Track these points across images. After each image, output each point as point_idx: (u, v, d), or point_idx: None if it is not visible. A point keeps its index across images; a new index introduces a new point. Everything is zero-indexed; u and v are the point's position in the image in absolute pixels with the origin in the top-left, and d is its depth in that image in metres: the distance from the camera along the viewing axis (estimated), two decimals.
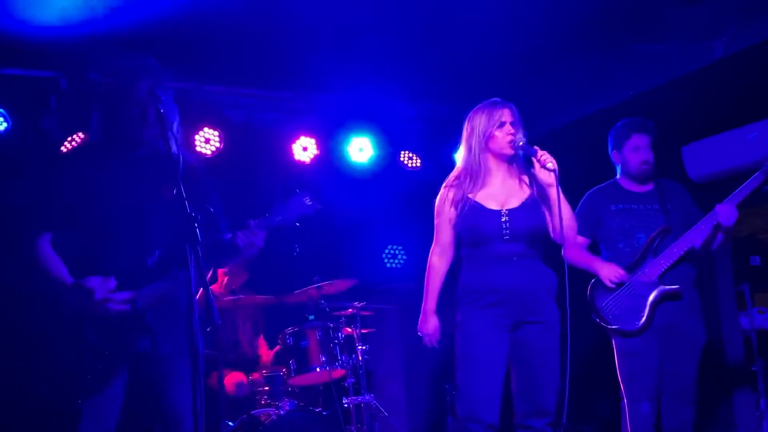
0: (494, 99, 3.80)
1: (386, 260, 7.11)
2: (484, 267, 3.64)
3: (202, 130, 6.00)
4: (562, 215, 3.56)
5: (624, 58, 5.60)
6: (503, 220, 3.63)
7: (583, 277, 4.49)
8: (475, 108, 3.81)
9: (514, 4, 4.96)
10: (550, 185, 3.61)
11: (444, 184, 3.82)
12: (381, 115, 6.64)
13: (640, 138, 4.39)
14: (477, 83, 5.92)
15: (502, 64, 5.78)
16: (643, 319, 4.17)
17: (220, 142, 6.04)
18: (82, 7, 4.68)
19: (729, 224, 4.16)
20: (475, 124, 3.74)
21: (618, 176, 4.55)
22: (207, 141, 6.01)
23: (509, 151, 3.68)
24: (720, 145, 5.63)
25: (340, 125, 6.57)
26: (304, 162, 6.41)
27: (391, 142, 6.73)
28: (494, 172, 3.73)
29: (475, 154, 3.72)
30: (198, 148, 5.98)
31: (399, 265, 7.12)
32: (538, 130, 6.66)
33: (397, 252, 7.11)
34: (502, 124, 3.69)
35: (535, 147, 3.61)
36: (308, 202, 3.13)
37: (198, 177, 3.13)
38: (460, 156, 3.84)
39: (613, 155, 4.53)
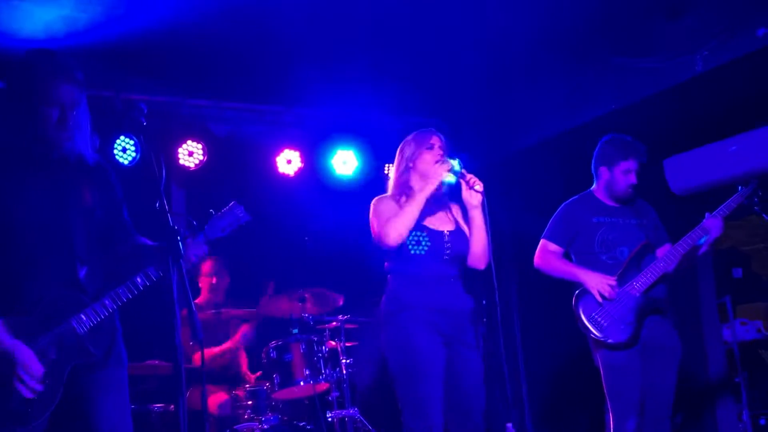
0: (424, 129, 4.05)
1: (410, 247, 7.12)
2: (422, 284, 3.76)
3: (185, 143, 5.99)
4: (483, 239, 3.80)
5: (605, 73, 5.65)
6: (446, 240, 3.82)
7: (553, 286, 4.50)
8: (407, 136, 4.03)
9: (498, 20, 5.00)
10: (475, 207, 3.82)
11: (382, 197, 3.93)
12: (365, 129, 6.65)
13: (633, 163, 4.42)
14: (460, 97, 5.97)
15: (485, 79, 5.82)
16: (632, 331, 4.17)
17: (203, 155, 6.03)
18: (66, 20, 4.68)
19: (714, 236, 4.23)
20: (406, 149, 3.99)
21: (593, 188, 4.57)
22: (190, 154, 6.00)
23: (436, 176, 3.79)
24: (701, 158, 5.68)
25: (325, 138, 6.58)
26: (288, 175, 6.41)
27: (375, 156, 6.73)
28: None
29: (405, 179, 3.93)
30: (181, 161, 5.97)
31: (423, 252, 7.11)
32: (520, 145, 6.73)
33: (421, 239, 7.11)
34: (431, 147, 3.92)
35: (463, 170, 3.80)
36: (240, 213, 3.13)
37: (110, 180, 3.01)
38: (391, 180, 4.01)
39: (601, 170, 4.51)
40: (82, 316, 2.78)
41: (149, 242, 3.01)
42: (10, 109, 2.82)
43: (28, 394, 2.66)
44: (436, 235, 3.81)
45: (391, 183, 4.02)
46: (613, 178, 4.44)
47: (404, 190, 3.91)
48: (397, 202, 3.88)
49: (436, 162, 3.86)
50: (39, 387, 2.68)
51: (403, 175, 3.95)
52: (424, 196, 3.75)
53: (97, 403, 2.80)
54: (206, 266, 5.86)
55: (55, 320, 2.75)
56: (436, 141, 3.94)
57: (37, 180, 2.82)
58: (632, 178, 4.41)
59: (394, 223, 3.72)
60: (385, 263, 3.92)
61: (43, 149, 2.82)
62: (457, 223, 3.93)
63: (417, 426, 3.63)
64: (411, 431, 3.65)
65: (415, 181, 3.92)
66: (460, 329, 3.76)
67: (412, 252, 3.78)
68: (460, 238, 3.87)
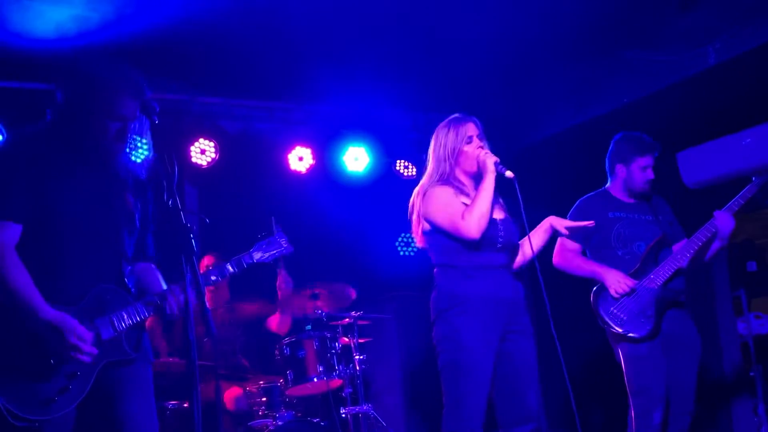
0: (456, 115, 3.87)
1: (399, 248, 7.16)
2: (473, 276, 3.66)
3: (197, 140, 6.01)
4: (481, 205, 3.64)
5: (618, 66, 5.63)
6: (498, 228, 3.71)
7: (572, 283, 4.49)
8: (440, 125, 3.87)
9: (508, 14, 4.98)
10: (490, 172, 3.69)
11: (435, 187, 3.76)
12: (376, 125, 6.65)
13: (650, 159, 4.43)
14: (471, 92, 5.96)
15: (497, 73, 5.80)
16: (652, 325, 4.17)
17: (215, 152, 6.05)
18: (78, 20, 4.69)
19: (727, 232, 4.21)
20: (443, 140, 3.81)
21: (609, 185, 4.57)
22: (203, 152, 6.02)
23: (487, 168, 3.67)
24: (715, 151, 5.65)
25: (336, 135, 6.58)
26: (299, 172, 6.42)
27: (386, 152, 6.73)
28: (468, 188, 3.77)
29: (445, 170, 3.78)
30: (193, 159, 5.99)
31: (412, 254, 7.15)
32: (532, 139, 6.72)
33: (410, 240, 7.19)
34: (470, 139, 3.77)
35: (503, 167, 3.68)
36: (285, 244, 3.25)
37: (148, 197, 3.07)
38: (430, 169, 3.86)
39: (617, 168, 4.52)
40: (124, 314, 2.83)
41: (160, 277, 3.05)
42: (70, 115, 2.84)
43: (87, 359, 2.71)
44: (489, 223, 3.65)
45: (430, 171, 3.84)
46: (631, 175, 4.45)
47: (451, 182, 3.77)
48: (452, 187, 3.75)
49: (478, 156, 3.71)
50: (94, 350, 2.73)
51: (443, 167, 3.79)
52: (492, 184, 3.63)
53: (124, 399, 2.84)
54: (203, 265, 5.85)
55: (97, 314, 2.80)
56: (473, 131, 3.79)
57: (87, 182, 2.87)
58: (650, 174, 4.43)
59: (475, 214, 3.58)
60: (432, 257, 3.81)
61: (97, 156, 2.87)
62: (507, 211, 3.83)
63: (456, 424, 3.58)
64: (450, 428, 3.61)
65: (460, 175, 3.80)
66: (514, 318, 3.66)
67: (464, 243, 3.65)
68: (511, 226, 3.78)
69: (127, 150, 2.90)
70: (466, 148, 3.76)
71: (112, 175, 2.92)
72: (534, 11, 4.94)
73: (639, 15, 5.02)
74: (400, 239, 7.19)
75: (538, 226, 3.83)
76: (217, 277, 3.06)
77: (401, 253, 7.19)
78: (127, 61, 2.94)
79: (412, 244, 7.21)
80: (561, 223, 3.78)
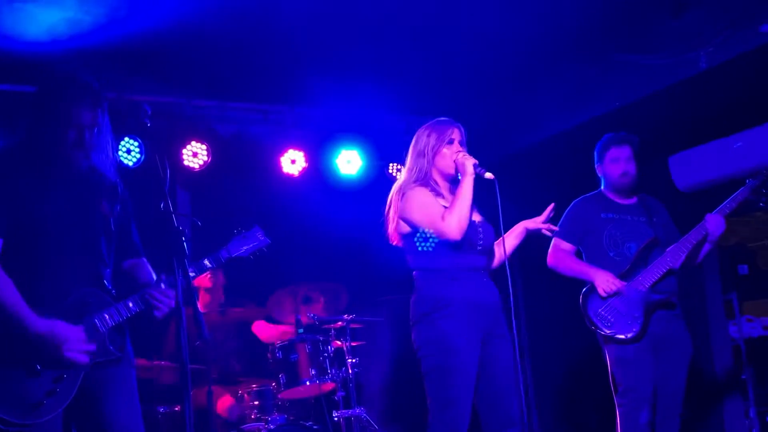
0: (443, 118, 3.87)
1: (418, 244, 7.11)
2: (457, 278, 3.63)
3: (189, 143, 5.99)
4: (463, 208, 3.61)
5: (609, 70, 5.64)
6: (479, 230, 3.71)
7: (559, 285, 4.51)
8: (423, 126, 3.86)
9: (502, 18, 4.99)
10: (469, 174, 3.68)
11: (412, 187, 3.75)
12: (369, 128, 6.65)
13: (618, 150, 4.49)
14: (464, 96, 5.96)
15: (489, 77, 5.81)
16: (639, 326, 4.19)
17: (208, 155, 6.03)
18: (70, 22, 4.68)
19: (717, 234, 4.24)
20: (424, 140, 3.80)
21: (602, 188, 4.61)
22: (195, 155, 6.00)
23: (465, 170, 3.64)
24: (706, 154, 5.67)
25: (329, 138, 6.57)
26: (292, 175, 6.41)
27: (379, 155, 6.73)
28: (442, 189, 3.76)
29: (425, 171, 3.77)
30: (186, 162, 5.97)
31: (430, 249, 7.08)
32: (524, 143, 6.73)
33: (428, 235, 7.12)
34: (450, 142, 3.75)
35: (482, 169, 3.64)
36: (261, 237, 3.27)
37: (124, 198, 3.09)
38: (406, 170, 3.86)
39: (597, 169, 4.62)
40: (106, 315, 2.85)
41: (151, 270, 3.11)
42: (33, 122, 2.88)
43: (84, 358, 2.75)
44: (471, 224, 3.64)
45: (406, 173, 3.85)
46: (605, 171, 4.53)
47: (427, 182, 3.77)
48: (429, 188, 3.74)
49: (458, 156, 3.69)
50: (91, 347, 2.77)
51: (422, 165, 3.78)
52: (470, 186, 3.60)
53: (109, 399, 2.86)
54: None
55: (80, 317, 2.81)
56: (456, 136, 3.78)
57: (59, 188, 2.88)
58: (622, 166, 4.47)
59: (455, 215, 3.55)
60: (410, 259, 3.78)
61: (63, 163, 2.89)
62: (481, 214, 3.83)
63: (444, 428, 3.55)
64: (431, 428, 3.59)
65: (436, 175, 3.79)
66: (494, 322, 3.65)
67: (448, 245, 3.62)
68: (488, 229, 3.78)
69: (92, 156, 2.90)
70: (445, 149, 3.75)
71: (79, 181, 2.93)
72: (528, 15, 4.95)
73: (631, 19, 5.03)
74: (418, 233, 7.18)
75: (511, 230, 3.82)
76: (195, 273, 3.06)
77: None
78: (86, 68, 2.97)
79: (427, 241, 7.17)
80: (533, 223, 3.77)
